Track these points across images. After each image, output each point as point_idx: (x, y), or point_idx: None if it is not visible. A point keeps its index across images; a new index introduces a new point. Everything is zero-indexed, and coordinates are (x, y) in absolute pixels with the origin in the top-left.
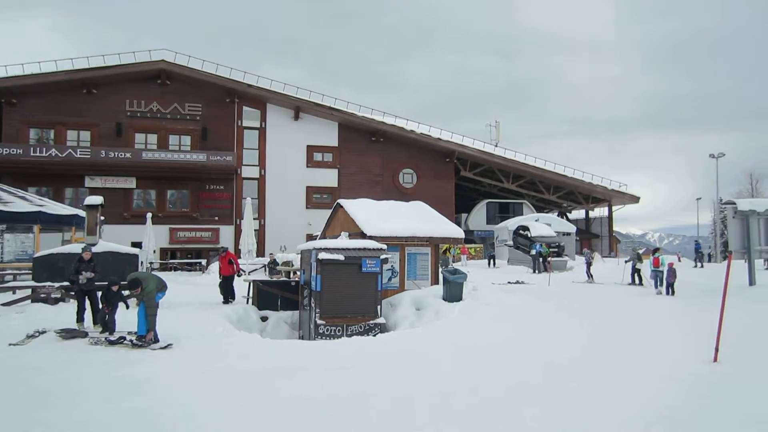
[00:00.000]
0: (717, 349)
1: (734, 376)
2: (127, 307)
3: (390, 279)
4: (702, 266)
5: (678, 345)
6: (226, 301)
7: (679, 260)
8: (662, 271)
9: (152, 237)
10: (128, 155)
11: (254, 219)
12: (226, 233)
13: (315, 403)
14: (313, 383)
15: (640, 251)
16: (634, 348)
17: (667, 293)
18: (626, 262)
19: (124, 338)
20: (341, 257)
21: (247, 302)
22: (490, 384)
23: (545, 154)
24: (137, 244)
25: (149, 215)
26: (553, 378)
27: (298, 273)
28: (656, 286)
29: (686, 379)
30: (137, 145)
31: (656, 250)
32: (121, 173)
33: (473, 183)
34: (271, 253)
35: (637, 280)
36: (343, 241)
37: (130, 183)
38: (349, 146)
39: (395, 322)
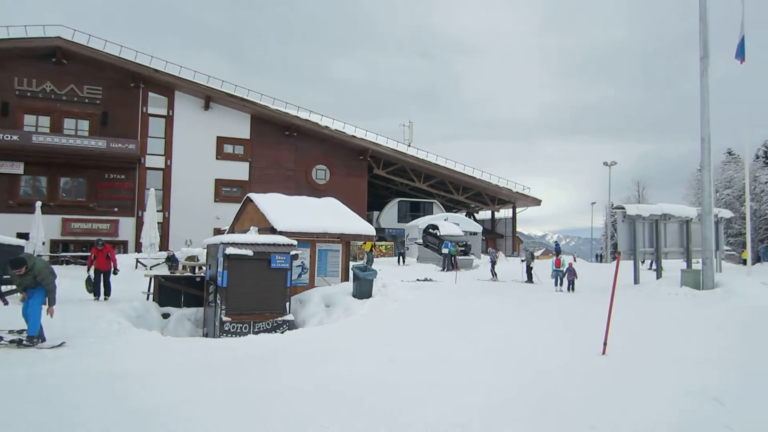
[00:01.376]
0: (605, 343)
1: (620, 368)
2: (6, 303)
3: (300, 275)
4: None
5: (573, 339)
6: (96, 297)
7: (575, 260)
8: (563, 271)
9: (41, 227)
10: (15, 138)
11: (158, 211)
12: (126, 225)
13: (216, 403)
14: (215, 382)
15: (538, 252)
16: (532, 343)
17: (568, 290)
18: (522, 261)
19: (1, 338)
20: (250, 252)
21: (147, 298)
22: (397, 380)
23: (456, 155)
24: (24, 235)
25: (39, 204)
26: (457, 373)
27: (204, 268)
28: (557, 284)
29: (578, 371)
30: (26, 127)
31: (558, 252)
32: (7, 157)
33: (386, 181)
34: (169, 250)
35: (534, 279)
36: (252, 236)
37: (17, 168)
38: (262, 139)
39: (304, 318)
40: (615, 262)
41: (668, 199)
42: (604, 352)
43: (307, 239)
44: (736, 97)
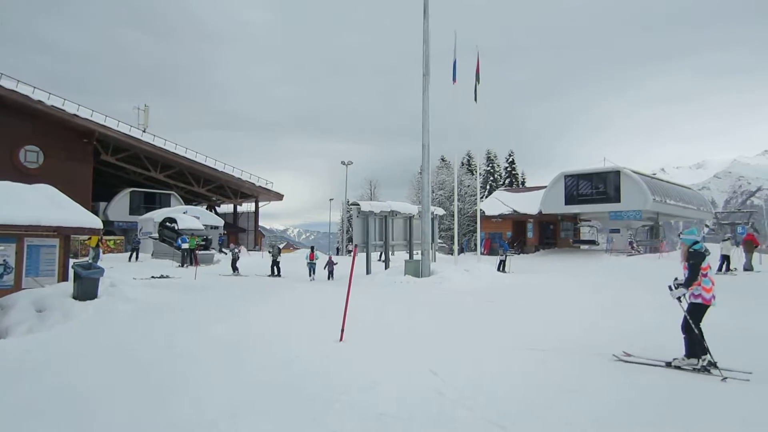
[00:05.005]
0: (343, 330)
1: (354, 352)
2: None
3: (2, 276)
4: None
5: (315, 327)
6: None
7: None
8: (315, 263)
9: None
10: None
11: None
12: None
13: None
14: None
15: (281, 246)
16: (275, 334)
17: (329, 279)
18: (269, 253)
19: None
20: None
21: None
22: (128, 386)
23: (198, 146)
24: None
25: None
26: (198, 371)
27: None
28: (311, 274)
29: (318, 358)
30: None
31: (312, 248)
32: None
33: (116, 169)
34: None
35: (275, 272)
36: None
37: None
38: None
39: (7, 327)
40: (352, 254)
41: (395, 197)
42: (341, 339)
43: (12, 233)
44: (449, 111)
